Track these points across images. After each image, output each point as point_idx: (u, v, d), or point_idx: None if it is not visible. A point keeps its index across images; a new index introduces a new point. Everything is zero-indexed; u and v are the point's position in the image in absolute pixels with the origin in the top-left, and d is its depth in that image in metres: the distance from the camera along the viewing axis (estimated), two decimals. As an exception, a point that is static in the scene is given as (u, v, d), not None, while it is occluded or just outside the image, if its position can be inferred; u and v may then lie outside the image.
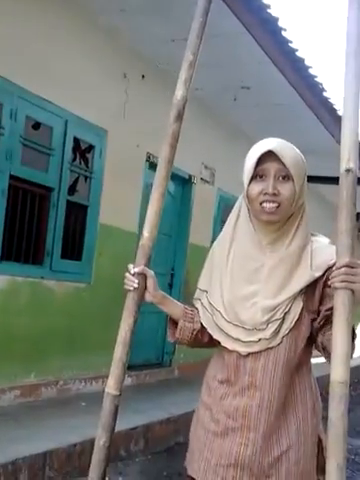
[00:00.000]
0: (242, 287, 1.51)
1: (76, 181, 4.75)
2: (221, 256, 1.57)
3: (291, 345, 1.49)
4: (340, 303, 1.32)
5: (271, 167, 1.45)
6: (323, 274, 1.46)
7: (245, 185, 1.49)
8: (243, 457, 1.47)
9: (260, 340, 1.48)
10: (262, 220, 1.49)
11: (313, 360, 1.62)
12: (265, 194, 1.45)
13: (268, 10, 4.12)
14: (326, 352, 1.44)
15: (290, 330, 1.48)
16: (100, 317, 4.95)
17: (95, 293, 4.93)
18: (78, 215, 4.81)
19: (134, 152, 5.30)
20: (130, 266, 1.58)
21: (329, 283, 1.37)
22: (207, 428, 1.56)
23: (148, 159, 5.49)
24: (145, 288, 1.57)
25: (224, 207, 7.21)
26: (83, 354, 4.79)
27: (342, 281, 1.31)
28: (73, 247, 4.80)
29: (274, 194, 1.45)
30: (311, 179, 8.06)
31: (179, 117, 1.67)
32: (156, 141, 5.84)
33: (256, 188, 1.47)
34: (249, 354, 1.50)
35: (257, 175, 1.47)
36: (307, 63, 5.08)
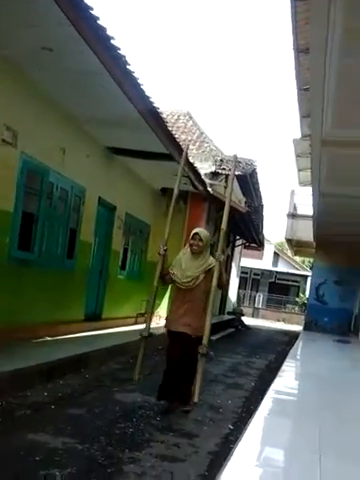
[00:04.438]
0: (185, 270, 5.03)
1: None
2: (178, 259, 5.14)
3: (200, 288, 5.02)
4: (216, 265, 4.97)
5: (196, 236, 5.07)
6: (209, 268, 5.02)
7: (189, 240, 5.15)
8: (183, 319, 5.01)
9: (189, 284, 5.03)
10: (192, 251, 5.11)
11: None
12: (194, 244, 5.06)
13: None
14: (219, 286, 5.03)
15: (199, 283, 5.03)
16: None
17: None
18: None
19: None
20: (161, 245, 5.13)
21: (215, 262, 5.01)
22: (174, 312, 5.13)
23: None
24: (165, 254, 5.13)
25: (28, 171, 6.98)
26: None
27: (216, 259, 4.97)
28: None
29: (197, 245, 5.05)
30: (118, 151, 8.19)
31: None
32: None
33: (191, 241, 5.07)
34: (186, 289, 5.05)
35: (192, 238, 5.09)
36: (109, 33, 5.15)
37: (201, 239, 5.03)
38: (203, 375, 4.88)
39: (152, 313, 5.35)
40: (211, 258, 5.08)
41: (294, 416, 5.14)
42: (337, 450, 4.00)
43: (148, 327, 5.21)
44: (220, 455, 3.98)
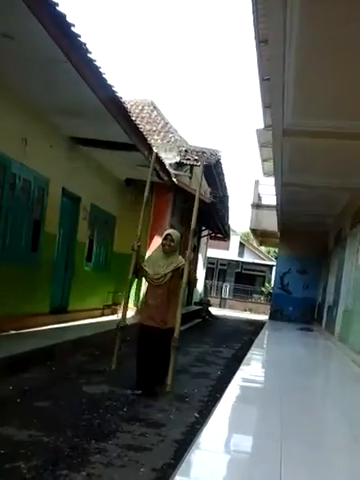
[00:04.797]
0: (156, 268, 5.55)
1: None
2: (150, 257, 5.82)
3: (169, 284, 5.53)
4: (186, 263, 5.54)
5: (169, 237, 5.57)
6: (178, 267, 5.54)
7: (161, 240, 5.63)
8: (154, 314, 5.53)
9: (159, 281, 5.53)
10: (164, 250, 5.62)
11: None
12: (166, 244, 5.55)
13: None
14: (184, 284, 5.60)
15: (168, 280, 5.52)
16: None
17: None
18: None
19: None
20: (134, 241, 5.62)
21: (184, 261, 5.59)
22: (147, 306, 5.65)
23: None
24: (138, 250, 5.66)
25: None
26: None
27: (186, 258, 5.57)
28: None
29: (169, 245, 5.55)
30: (81, 142, 8.07)
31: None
32: None
33: (164, 242, 5.58)
34: (157, 285, 5.55)
35: (164, 238, 5.59)
36: (69, 20, 5.07)
37: (173, 240, 5.56)
38: (174, 365, 5.41)
39: (127, 305, 5.92)
40: (180, 257, 5.65)
41: (257, 402, 5.22)
42: (297, 434, 4.08)
43: (124, 318, 5.80)
44: (186, 443, 4.01)
